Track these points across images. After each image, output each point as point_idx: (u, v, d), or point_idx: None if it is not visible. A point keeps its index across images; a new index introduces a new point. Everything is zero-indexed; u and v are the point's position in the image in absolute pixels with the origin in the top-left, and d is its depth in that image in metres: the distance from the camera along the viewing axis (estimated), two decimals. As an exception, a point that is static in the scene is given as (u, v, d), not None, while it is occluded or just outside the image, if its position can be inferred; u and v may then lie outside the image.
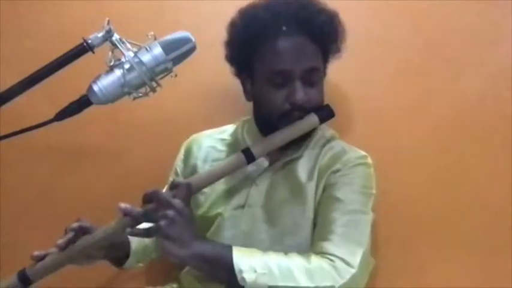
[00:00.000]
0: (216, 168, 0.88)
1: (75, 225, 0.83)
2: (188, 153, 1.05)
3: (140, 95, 0.76)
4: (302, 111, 0.89)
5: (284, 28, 0.90)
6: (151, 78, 0.75)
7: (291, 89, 0.89)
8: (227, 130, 1.07)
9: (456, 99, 1.15)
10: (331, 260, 0.78)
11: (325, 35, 0.92)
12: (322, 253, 0.80)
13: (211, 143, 1.04)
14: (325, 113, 0.91)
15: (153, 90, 0.76)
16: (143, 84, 0.75)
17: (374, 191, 0.91)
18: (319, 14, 0.91)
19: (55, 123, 0.74)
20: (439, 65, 1.17)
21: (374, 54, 1.19)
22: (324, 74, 0.97)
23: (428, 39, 1.17)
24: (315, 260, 0.78)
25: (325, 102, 0.95)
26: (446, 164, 1.15)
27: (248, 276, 0.74)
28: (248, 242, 0.87)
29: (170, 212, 0.76)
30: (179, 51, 0.76)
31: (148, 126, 1.27)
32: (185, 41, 0.78)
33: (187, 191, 0.81)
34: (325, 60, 0.96)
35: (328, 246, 0.81)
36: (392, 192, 1.15)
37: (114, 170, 1.27)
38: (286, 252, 0.81)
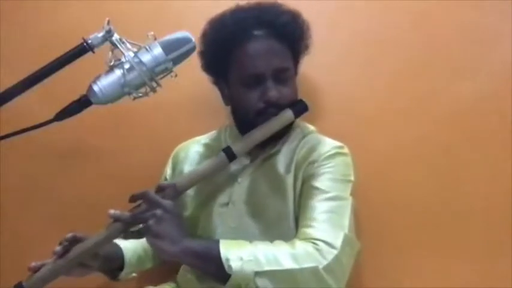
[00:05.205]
0: (200, 169, 0.92)
1: (69, 235, 0.84)
2: (176, 160, 1.09)
3: (140, 95, 0.76)
4: (277, 107, 0.93)
5: (251, 32, 0.94)
6: (151, 78, 0.75)
7: (264, 89, 0.93)
8: (211, 135, 1.11)
9: (456, 99, 1.15)
10: (314, 244, 0.81)
11: (290, 34, 0.97)
12: (306, 238, 0.83)
13: (197, 149, 1.08)
14: (299, 108, 0.95)
15: (153, 90, 0.76)
16: (143, 84, 0.75)
17: (352, 178, 0.94)
18: (281, 15, 0.96)
19: (55, 123, 0.74)
20: (439, 64, 1.17)
21: (373, 54, 1.19)
22: (296, 72, 1.01)
23: (428, 39, 1.17)
24: (300, 245, 0.81)
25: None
26: (446, 163, 1.15)
27: (234, 264, 0.77)
28: (237, 238, 0.88)
29: (158, 211, 0.80)
30: (179, 51, 0.77)
31: (148, 127, 1.27)
32: (185, 41, 0.78)
33: (174, 191, 0.85)
34: (295, 59, 1.01)
35: (311, 232, 0.84)
36: (391, 192, 1.16)
37: (114, 170, 1.27)
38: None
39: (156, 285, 1.06)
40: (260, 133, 0.92)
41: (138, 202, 0.83)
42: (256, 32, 0.94)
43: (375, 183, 1.16)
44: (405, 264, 1.15)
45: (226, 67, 0.97)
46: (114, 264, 0.98)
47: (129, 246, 1.02)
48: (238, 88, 0.96)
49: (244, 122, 0.98)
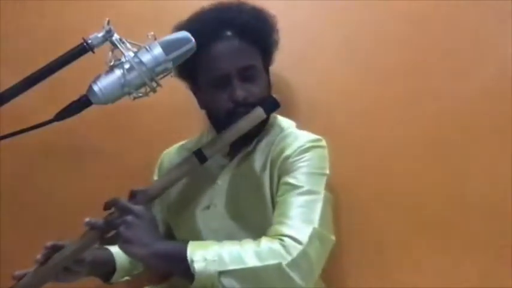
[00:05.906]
0: (172, 173, 0.91)
1: (48, 244, 0.85)
2: (161, 167, 1.11)
3: (140, 95, 0.76)
4: (245, 106, 0.93)
5: (215, 34, 0.95)
6: (151, 78, 0.75)
7: (230, 89, 0.94)
8: (194, 139, 1.12)
9: (455, 98, 1.15)
10: (281, 240, 0.81)
11: (253, 32, 0.96)
12: (274, 235, 0.83)
13: (180, 154, 1.09)
14: (270, 105, 0.94)
15: (153, 90, 0.76)
16: (143, 84, 0.75)
17: (327, 171, 0.93)
18: (242, 14, 0.96)
19: (55, 123, 0.74)
20: (439, 64, 1.17)
21: (372, 54, 1.19)
22: (266, 69, 1.01)
23: (428, 39, 1.17)
24: (265, 242, 0.81)
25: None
26: (446, 163, 1.15)
27: (198, 265, 0.77)
28: (220, 240, 0.89)
29: (129, 217, 0.80)
30: (179, 51, 0.77)
31: (148, 127, 1.28)
32: (185, 41, 0.78)
33: (145, 197, 0.85)
34: (265, 55, 1.00)
35: (280, 228, 0.84)
36: (390, 192, 1.16)
37: (113, 170, 1.27)
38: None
39: (155, 286, 1.07)
40: (231, 133, 0.92)
41: (113, 209, 0.84)
42: (219, 34, 0.95)
43: (375, 183, 1.16)
44: (405, 264, 1.15)
45: (195, 72, 0.98)
46: (105, 268, 1.00)
47: (120, 251, 1.02)
48: (207, 91, 0.97)
49: (218, 123, 0.99)
